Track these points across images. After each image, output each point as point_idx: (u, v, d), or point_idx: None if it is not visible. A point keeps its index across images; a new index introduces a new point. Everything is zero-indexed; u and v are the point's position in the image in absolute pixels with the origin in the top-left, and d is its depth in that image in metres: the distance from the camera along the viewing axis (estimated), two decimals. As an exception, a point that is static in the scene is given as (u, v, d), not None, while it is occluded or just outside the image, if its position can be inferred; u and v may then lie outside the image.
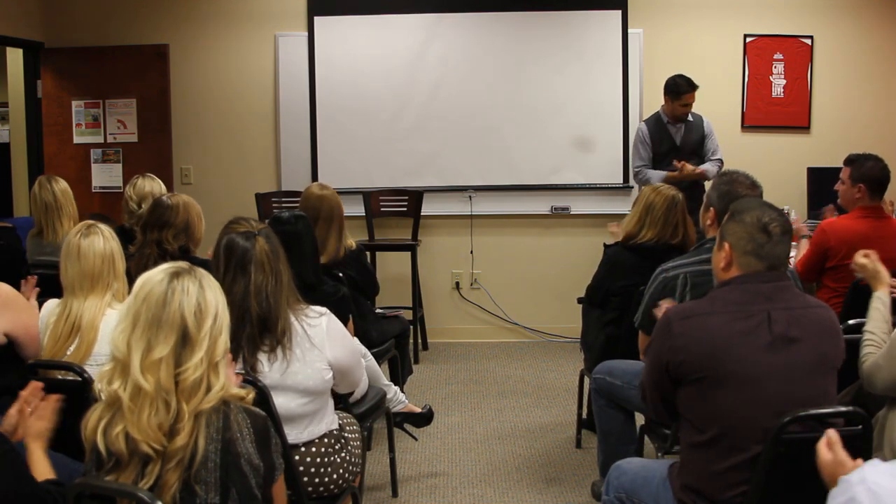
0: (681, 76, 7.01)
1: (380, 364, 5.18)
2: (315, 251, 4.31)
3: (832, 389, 3.00)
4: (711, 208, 3.99)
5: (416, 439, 5.51)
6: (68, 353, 3.64)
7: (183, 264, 2.48)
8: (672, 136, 7.14)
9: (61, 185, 5.78)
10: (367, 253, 6.31)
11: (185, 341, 2.36)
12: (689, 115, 7.10)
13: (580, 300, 5.33)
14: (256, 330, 3.22)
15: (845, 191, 5.31)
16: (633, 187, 7.99)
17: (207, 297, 2.41)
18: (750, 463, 2.86)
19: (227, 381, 2.44)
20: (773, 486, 2.82)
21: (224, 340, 2.44)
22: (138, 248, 4.64)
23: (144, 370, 2.33)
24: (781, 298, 2.97)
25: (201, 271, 2.48)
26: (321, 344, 3.31)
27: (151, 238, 4.64)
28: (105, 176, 8.32)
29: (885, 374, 3.33)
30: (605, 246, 5.11)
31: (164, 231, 4.65)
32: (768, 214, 3.02)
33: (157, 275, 2.42)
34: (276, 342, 3.23)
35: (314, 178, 8.02)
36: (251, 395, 2.50)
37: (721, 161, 7.05)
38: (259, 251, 3.27)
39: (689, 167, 6.89)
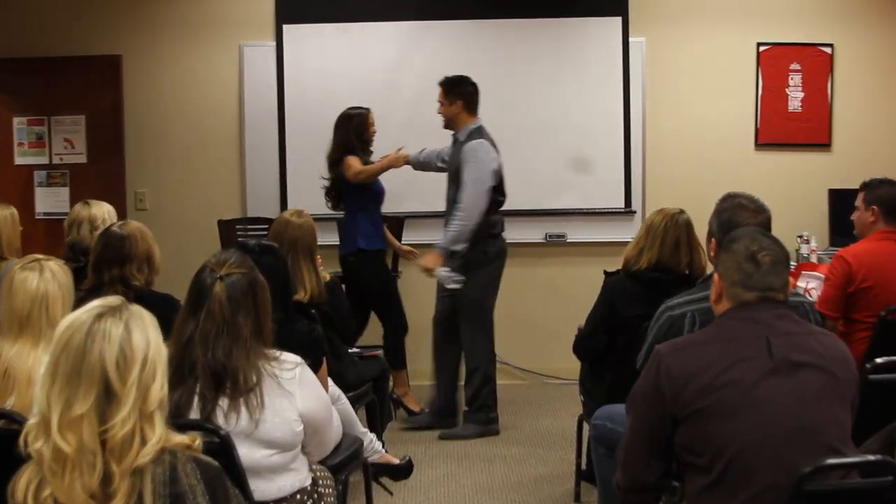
0: None
1: (356, 409, 5.19)
2: (285, 286, 4.31)
3: (845, 420, 3.04)
4: (713, 239, 4.05)
5: (391, 494, 5.50)
6: (8, 405, 3.59)
7: (115, 300, 2.45)
8: (449, 155, 6.96)
9: None
10: (343, 286, 6.32)
11: (108, 395, 2.31)
12: (460, 134, 6.78)
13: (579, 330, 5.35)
14: (207, 383, 3.23)
15: (859, 216, 5.49)
16: (635, 212, 8.02)
17: (134, 340, 2.36)
18: (759, 499, 2.89)
19: (167, 432, 2.39)
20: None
21: (158, 387, 2.38)
22: (92, 289, 4.49)
23: (64, 429, 2.28)
24: (780, 325, 3.05)
25: (133, 309, 2.43)
26: (293, 392, 3.32)
27: (111, 276, 4.56)
28: (50, 201, 8.31)
29: None
30: (606, 274, 5.11)
31: (125, 266, 4.59)
32: (758, 243, 3.12)
33: (81, 315, 2.39)
34: (238, 395, 3.23)
35: (283, 202, 8.03)
36: (198, 443, 2.47)
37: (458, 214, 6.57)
38: (213, 298, 3.28)
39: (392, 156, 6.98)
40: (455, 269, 6.65)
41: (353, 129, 6.95)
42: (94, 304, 2.41)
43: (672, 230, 4.78)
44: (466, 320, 6.76)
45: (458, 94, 6.77)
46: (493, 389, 6.84)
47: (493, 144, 6.73)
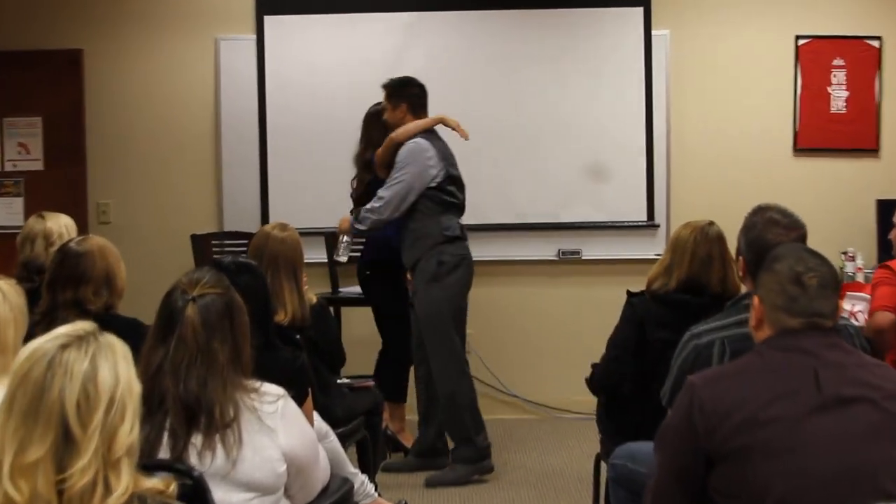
0: None
1: (346, 447, 5.18)
2: (265, 308, 4.31)
3: None
4: (741, 257, 4.05)
5: (380, 545, 5.49)
6: None
7: (85, 326, 2.39)
8: None
9: None
10: (331, 308, 6.32)
11: (66, 440, 2.24)
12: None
13: (595, 367, 5.34)
14: (178, 417, 3.22)
15: None
16: (659, 226, 8.04)
17: (100, 378, 2.28)
18: None
19: (137, 479, 2.33)
20: None
21: (127, 430, 2.31)
22: (46, 312, 4.51)
23: (16, 474, 2.21)
24: (829, 356, 3.03)
25: (103, 339, 2.37)
26: (275, 427, 3.32)
27: (65, 298, 4.56)
28: (2, 213, 8.31)
29: None
30: (629, 294, 5.07)
31: (81, 287, 4.58)
32: (804, 263, 3.11)
33: (45, 344, 2.32)
34: (214, 431, 3.22)
35: (264, 215, 8.05)
36: (173, 488, 2.42)
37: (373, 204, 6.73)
38: (186, 320, 3.27)
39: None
40: (415, 282, 6.70)
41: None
42: (62, 332, 2.34)
43: (702, 244, 4.75)
44: (427, 341, 6.71)
45: (403, 97, 6.83)
46: (476, 417, 6.73)
47: (437, 145, 6.73)
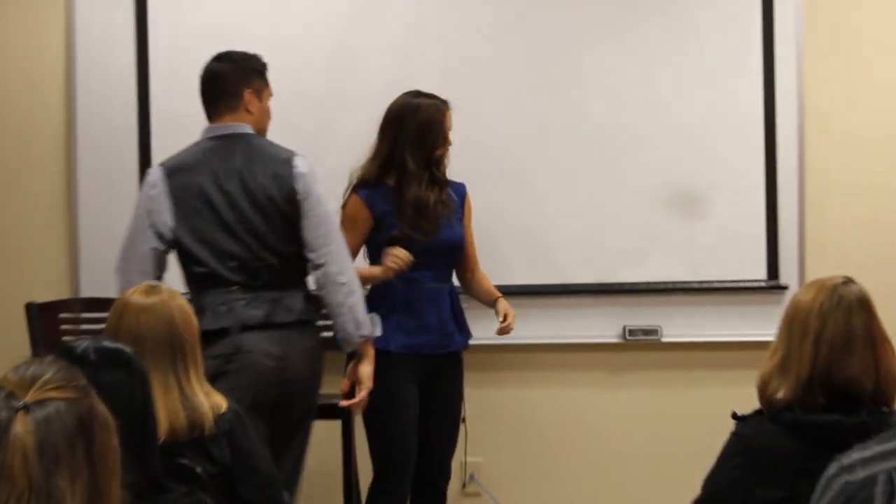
0: None
1: None
2: (145, 421, 4.31)
3: None
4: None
5: None
6: None
7: None
8: None
9: None
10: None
11: None
12: None
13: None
14: None
15: None
16: (786, 288, 8.01)
17: None
18: None
19: None
20: None
21: None
22: None
23: None
24: None
25: None
26: None
27: None
28: None
29: None
30: (736, 419, 5.01)
31: None
32: None
33: None
34: None
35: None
36: None
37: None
38: (13, 443, 3.24)
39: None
40: None
41: (416, 131, 6.98)
42: None
43: (835, 317, 4.64)
44: None
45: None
46: None
47: (182, 175, 6.57)
